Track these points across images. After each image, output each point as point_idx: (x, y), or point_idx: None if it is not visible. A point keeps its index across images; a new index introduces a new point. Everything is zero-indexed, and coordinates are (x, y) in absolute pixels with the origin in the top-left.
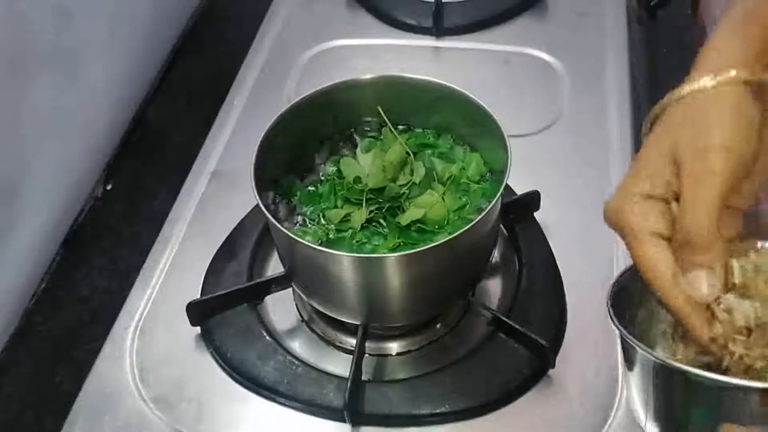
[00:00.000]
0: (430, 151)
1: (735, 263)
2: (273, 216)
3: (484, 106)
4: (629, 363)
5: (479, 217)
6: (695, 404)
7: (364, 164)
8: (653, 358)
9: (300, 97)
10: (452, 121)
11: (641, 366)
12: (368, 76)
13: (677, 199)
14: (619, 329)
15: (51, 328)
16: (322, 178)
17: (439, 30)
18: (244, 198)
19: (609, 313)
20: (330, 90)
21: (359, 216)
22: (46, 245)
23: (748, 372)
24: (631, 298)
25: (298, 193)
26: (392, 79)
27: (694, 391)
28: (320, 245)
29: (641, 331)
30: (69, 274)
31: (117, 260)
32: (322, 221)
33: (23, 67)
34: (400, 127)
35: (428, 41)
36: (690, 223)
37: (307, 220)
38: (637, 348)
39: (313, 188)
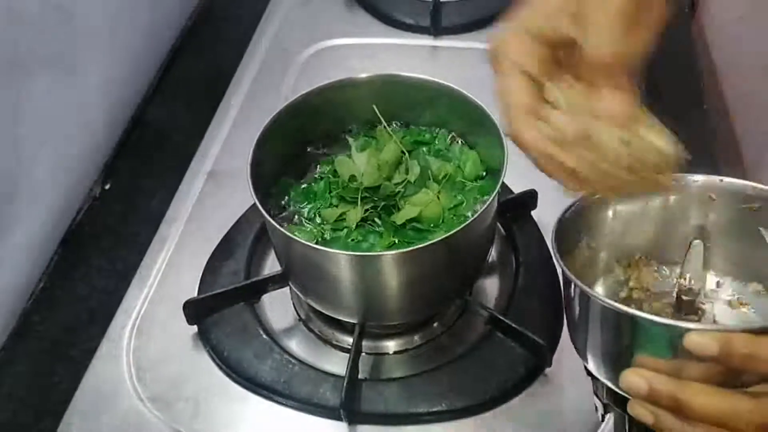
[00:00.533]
0: (425, 149)
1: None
2: (270, 215)
3: (481, 104)
4: (568, 300)
5: (476, 215)
6: (618, 333)
7: (359, 163)
8: (588, 293)
9: (296, 96)
10: (449, 119)
11: (579, 302)
12: (365, 75)
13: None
14: (561, 267)
15: (49, 328)
16: (317, 176)
17: (436, 29)
18: (241, 197)
19: (553, 251)
20: (326, 89)
21: (354, 215)
22: (44, 245)
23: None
24: (573, 237)
25: (293, 192)
26: (389, 78)
27: (617, 322)
28: (316, 244)
29: (581, 266)
30: (67, 274)
31: (115, 260)
32: (318, 220)
33: (22, 67)
34: (396, 125)
35: (426, 40)
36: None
37: (303, 218)
38: (575, 283)
39: (306, 186)
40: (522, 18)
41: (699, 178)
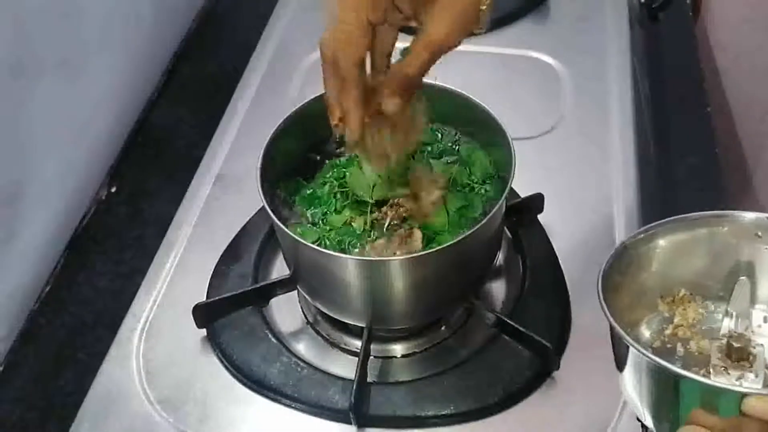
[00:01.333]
0: (429, 148)
1: None
2: (278, 218)
3: (488, 108)
4: (620, 358)
5: (483, 219)
6: (671, 392)
7: (370, 177)
8: (642, 356)
9: (304, 101)
10: (456, 124)
11: (632, 361)
12: None
13: None
14: (610, 322)
15: (55, 331)
16: (321, 181)
17: None
18: (249, 201)
19: (601, 305)
20: None
21: (361, 222)
22: (50, 248)
23: None
24: (615, 284)
25: (299, 196)
26: None
27: (674, 386)
28: (321, 245)
29: (623, 315)
30: (73, 277)
31: (121, 263)
32: (323, 225)
33: (27, 71)
34: None
35: None
36: None
37: (309, 222)
38: (627, 343)
39: (311, 191)
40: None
41: (746, 216)
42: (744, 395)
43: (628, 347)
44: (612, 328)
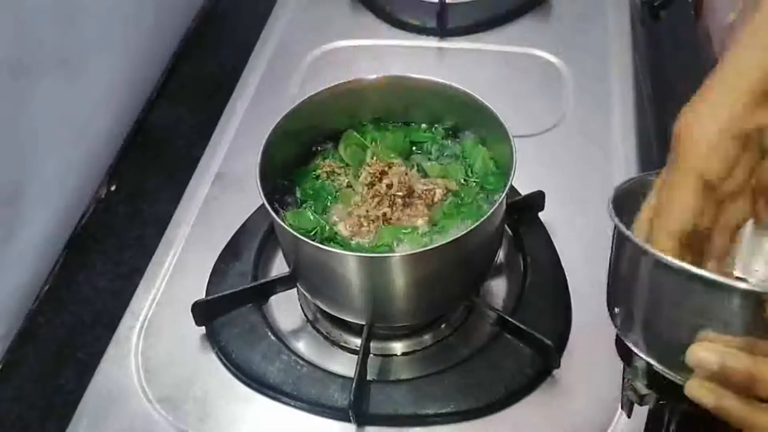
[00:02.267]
0: (427, 145)
1: None
2: (277, 214)
3: (489, 106)
4: (618, 260)
5: (484, 217)
6: (680, 301)
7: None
8: (648, 250)
9: (302, 98)
10: (457, 121)
11: (630, 266)
12: (372, 77)
13: None
14: (615, 221)
15: (54, 330)
16: (317, 176)
17: (443, 31)
18: (248, 199)
19: (609, 208)
20: (333, 90)
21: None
22: (49, 247)
23: None
24: (631, 206)
25: (298, 193)
26: (397, 80)
27: (681, 288)
28: (318, 234)
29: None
30: (72, 276)
31: (120, 262)
32: (322, 221)
33: (27, 70)
34: (393, 124)
35: (432, 42)
36: None
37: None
38: (633, 239)
39: (311, 190)
40: (719, 103)
41: None
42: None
43: (635, 261)
44: (620, 236)
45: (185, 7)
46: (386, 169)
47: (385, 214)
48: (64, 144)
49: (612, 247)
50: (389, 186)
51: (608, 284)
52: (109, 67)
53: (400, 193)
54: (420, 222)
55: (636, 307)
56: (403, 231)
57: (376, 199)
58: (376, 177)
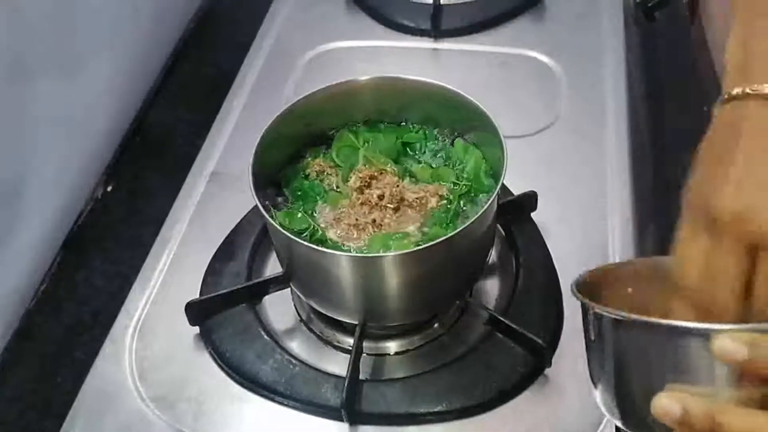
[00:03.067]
0: (419, 145)
1: None
2: (270, 215)
3: (481, 106)
4: (588, 335)
5: (475, 216)
6: (644, 357)
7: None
8: (609, 315)
9: (296, 99)
10: (449, 122)
11: (594, 330)
12: (365, 77)
13: None
14: (578, 297)
15: (52, 329)
16: (306, 175)
17: (437, 32)
18: (243, 199)
19: (572, 288)
20: (327, 91)
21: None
22: (46, 246)
23: None
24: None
25: (288, 192)
26: (389, 81)
27: (643, 342)
28: (310, 235)
29: None
30: (70, 276)
31: (117, 262)
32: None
33: (24, 70)
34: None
35: (426, 43)
36: None
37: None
38: (596, 309)
39: (299, 190)
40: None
41: None
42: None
43: (597, 324)
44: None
45: (183, 8)
46: (376, 174)
47: (374, 221)
48: (62, 143)
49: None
50: (380, 197)
51: (587, 362)
52: (107, 67)
53: (391, 205)
54: (411, 228)
55: (607, 375)
56: (394, 237)
57: (366, 207)
58: (365, 182)
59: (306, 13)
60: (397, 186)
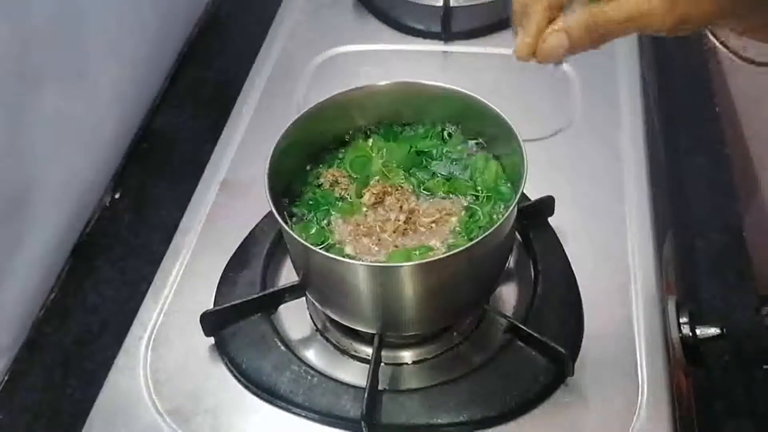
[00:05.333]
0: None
1: None
2: (286, 223)
3: (500, 112)
4: None
5: (495, 226)
6: None
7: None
8: None
9: (312, 105)
10: (466, 127)
11: None
12: (383, 83)
13: None
14: None
15: (61, 339)
16: (320, 185)
17: (447, 35)
18: (255, 206)
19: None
20: (342, 97)
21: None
22: (55, 255)
23: None
24: None
25: (301, 201)
26: (406, 86)
27: None
28: (324, 246)
29: None
30: (78, 284)
31: (126, 270)
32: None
33: (31, 78)
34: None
35: (437, 46)
36: None
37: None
38: None
39: (313, 198)
40: None
41: None
42: None
43: None
44: None
45: (188, 13)
46: (390, 189)
47: (392, 236)
48: (69, 151)
49: None
50: (397, 219)
51: None
52: (112, 74)
53: (407, 227)
54: (433, 242)
55: None
56: (415, 252)
57: (381, 224)
58: (379, 199)
59: (314, 18)
60: (413, 210)
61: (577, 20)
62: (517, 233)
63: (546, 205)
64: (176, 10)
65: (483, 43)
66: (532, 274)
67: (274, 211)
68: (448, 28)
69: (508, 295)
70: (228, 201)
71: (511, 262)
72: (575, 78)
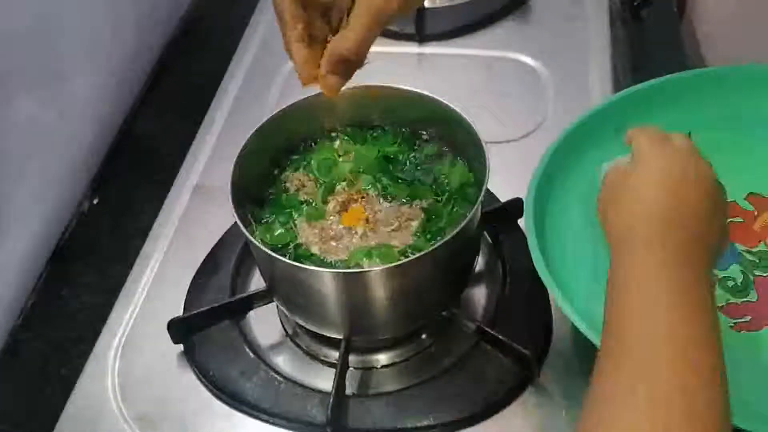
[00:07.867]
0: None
1: None
2: (252, 229)
3: (460, 111)
4: None
5: (459, 227)
6: None
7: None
8: None
9: (275, 111)
10: (433, 130)
11: None
12: (347, 87)
13: None
14: None
15: (39, 345)
16: (286, 189)
17: (421, 36)
18: (227, 211)
19: None
20: (307, 102)
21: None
22: (33, 261)
23: None
24: None
25: (268, 206)
26: (370, 90)
27: None
28: (289, 247)
29: None
30: (57, 290)
31: (105, 276)
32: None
33: (8, 82)
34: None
35: (411, 48)
36: None
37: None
38: None
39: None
40: None
41: None
42: None
43: None
44: None
45: (167, 16)
46: (355, 195)
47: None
48: (46, 156)
49: None
50: (360, 220)
51: None
52: (90, 78)
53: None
54: (395, 241)
55: None
56: (377, 248)
57: (346, 229)
58: (344, 207)
59: None
60: (377, 220)
61: (329, 55)
62: (486, 235)
63: (515, 206)
64: (154, 13)
65: (457, 45)
66: (501, 276)
67: (238, 220)
68: (422, 29)
69: (477, 296)
70: (200, 206)
71: (481, 264)
72: (548, 78)
